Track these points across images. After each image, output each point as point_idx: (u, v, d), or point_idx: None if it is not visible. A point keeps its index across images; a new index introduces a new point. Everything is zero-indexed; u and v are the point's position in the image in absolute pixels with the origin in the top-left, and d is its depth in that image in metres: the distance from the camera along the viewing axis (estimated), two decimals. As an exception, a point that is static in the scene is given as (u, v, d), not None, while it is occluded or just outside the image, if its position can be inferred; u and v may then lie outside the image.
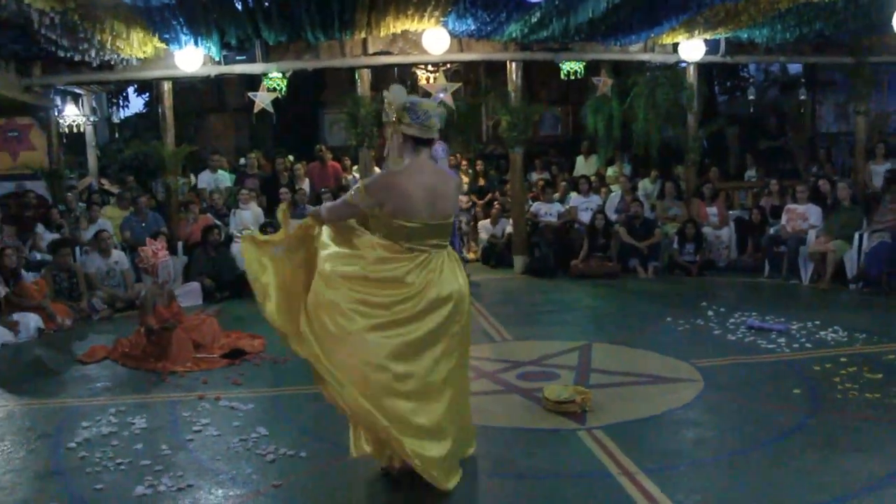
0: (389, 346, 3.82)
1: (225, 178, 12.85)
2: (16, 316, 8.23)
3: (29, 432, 5.21)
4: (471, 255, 12.86)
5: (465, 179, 13.89)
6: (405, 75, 15.48)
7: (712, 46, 11.71)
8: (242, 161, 13.76)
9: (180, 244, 11.02)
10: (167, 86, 11.42)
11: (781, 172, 13.95)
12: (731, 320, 7.86)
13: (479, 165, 14.70)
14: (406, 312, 3.85)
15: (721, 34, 11.31)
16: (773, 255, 10.64)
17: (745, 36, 11.40)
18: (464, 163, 14.36)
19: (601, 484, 4.06)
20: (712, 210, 11.75)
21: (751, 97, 15.41)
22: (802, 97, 15.23)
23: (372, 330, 3.83)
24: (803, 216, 10.56)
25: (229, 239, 11.12)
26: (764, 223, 11.30)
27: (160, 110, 11.66)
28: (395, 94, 4.05)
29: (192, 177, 13.30)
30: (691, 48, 11.59)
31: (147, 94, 17.44)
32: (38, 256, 10.21)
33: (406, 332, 3.86)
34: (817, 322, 7.57)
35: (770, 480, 4.04)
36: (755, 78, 17.42)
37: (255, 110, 11.59)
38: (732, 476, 4.13)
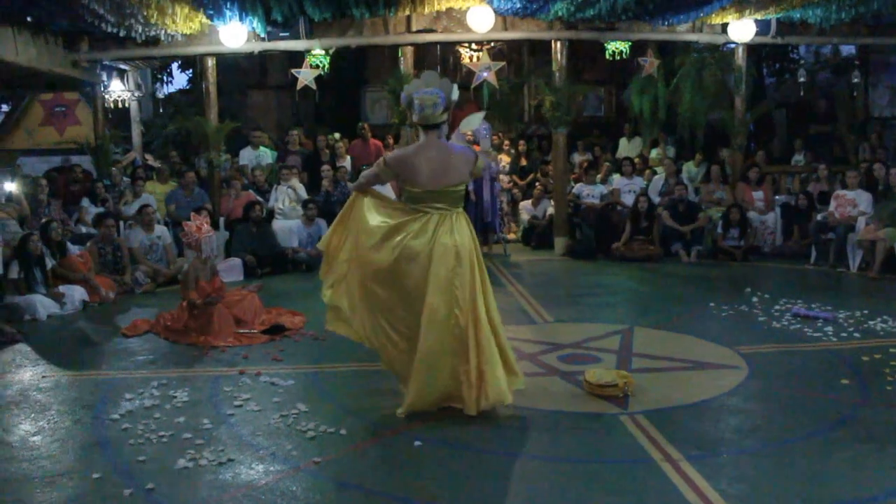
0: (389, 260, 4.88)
1: (267, 155, 12.92)
2: (62, 288, 8.37)
3: (74, 403, 5.29)
4: (511, 236, 12.80)
5: (507, 159, 13.81)
6: (448, 53, 15.42)
7: (763, 27, 11.45)
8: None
9: (222, 220, 11.12)
10: (211, 62, 11.48)
11: (830, 158, 13.69)
12: (776, 307, 7.72)
13: (522, 145, 14.62)
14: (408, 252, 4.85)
15: (772, 14, 11.04)
16: (820, 242, 10.45)
17: (798, 16, 11.12)
18: (506, 143, 14.28)
19: (644, 470, 4.01)
20: (758, 194, 11.55)
21: (801, 80, 15.10)
22: (855, 80, 14.88)
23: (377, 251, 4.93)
24: (853, 202, 10.34)
25: (271, 215, 11.19)
26: (811, 209, 11.09)
27: (204, 86, 11.74)
28: (406, 90, 5.10)
29: (234, 154, 13.40)
30: (741, 28, 11.35)
31: (191, 70, 17.60)
32: (84, 230, 10.36)
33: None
34: (865, 311, 7.41)
35: (816, 472, 3.96)
36: (805, 60, 17.07)
37: (298, 87, 11.62)
38: (777, 466, 4.05)
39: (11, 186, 10.23)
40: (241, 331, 7.03)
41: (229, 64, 13.49)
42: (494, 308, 5.01)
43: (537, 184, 13.11)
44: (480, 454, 4.28)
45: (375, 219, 5.04)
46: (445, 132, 5.08)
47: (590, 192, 12.15)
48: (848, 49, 15.76)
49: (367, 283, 4.99)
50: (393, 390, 5.23)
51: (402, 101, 5.23)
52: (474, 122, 10.69)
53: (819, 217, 10.67)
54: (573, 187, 12.48)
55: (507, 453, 4.29)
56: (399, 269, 4.84)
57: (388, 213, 5.06)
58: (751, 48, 12.24)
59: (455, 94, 5.05)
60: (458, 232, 4.88)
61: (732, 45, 12.05)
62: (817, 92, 16.76)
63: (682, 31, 11.69)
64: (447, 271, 4.77)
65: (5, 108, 17.22)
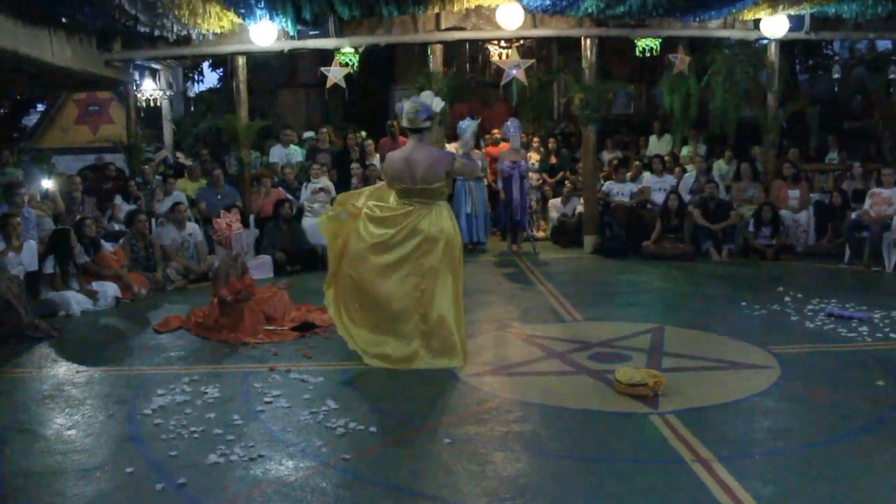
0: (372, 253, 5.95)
1: (296, 153, 12.99)
2: (95, 284, 8.47)
3: (107, 398, 5.36)
4: (540, 234, 12.76)
5: (536, 157, 13.76)
6: (477, 51, 15.39)
7: (796, 23, 11.30)
8: (308, 134, 13.89)
9: (252, 217, 11.19)
10: (241, 60, 11.56)
11: (865, 155, 13.49)
12: (810, 307, 7.64)
13: (552, 143, 14.56)
14: (386, 238, 5.92)
15: (806, 9, 10.88)
16: (855, 241, 10.30)
17: (833, 11, 10.95)
18: (535, 140, 14.23)
19: (675, 470, 3.98)
20: (794, 192, 11.41)
21: (835, 76, 14.88)
22: (892, 76, 14.64)
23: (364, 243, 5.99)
24: (889, 201, 10.20)
25: (300, 213, 11.24)
26: (845, 207, 10.95)
27: (234, 84, 11.82)
28: (403, 101, 6.18)
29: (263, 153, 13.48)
30: (774, 24, 11.22)
31: (221, 69, 17.71)
32: (117, 227, 10.47)
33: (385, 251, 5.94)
34: (901, 311, 7.30)
35: (850, 475, 3.91)
36: (840, 56, 16.82)
37: (328, 85, 11.67)
38: (810, 468, 4.01)
39: (48, 184, 10.38)
40: (271, 328, 7.08)
41: (259, 62, 13.56)
42: (459, 290, 5.96)
43: (567, 182, 13.07)
44: (510, 452, 4.27)
45: (371, 206, 6.09)
46: (429, 137, 6.30)
47: (619, 190, 12.07)
48: (884, 44, 15.52)
49: (347, 268, 6.06)
50: (422, 387, 5.23)
51: (397, 109, 6.30)
52: (464, 128, 10.90)
53: (853, 215, 10.52)
54: (603, 185, 12.42)
55: (537, 452, 4.27)
56: (376, 251, 5.91)
57: (382, 206, 6.05)
58: (783, 44, 12.09)
59: (438, 107, 6.10)
60: (435, 221, 5.88)
61: (765, 42, 11.90)
62: (852, 88, 16.52)
63: (714, 28, 11.57)
64: (420, 252, 5.85)
65: (41, 107, 17.46)
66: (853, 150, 13.83)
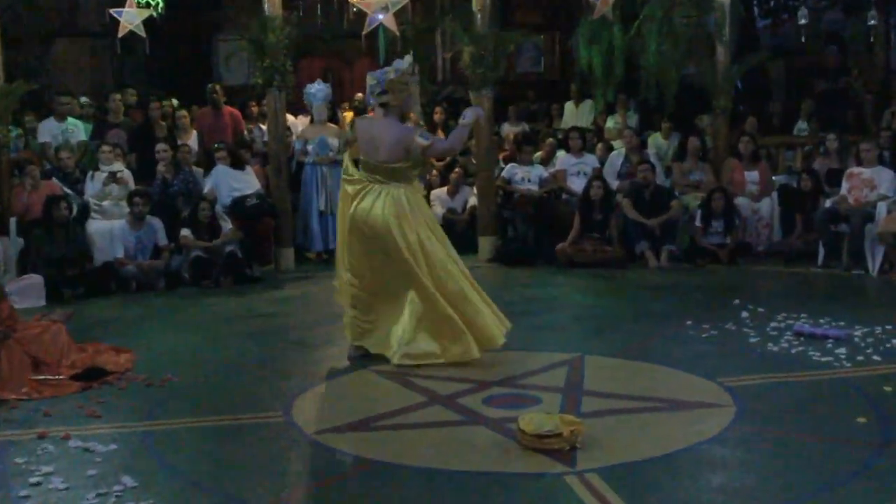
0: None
1: (77, 129, 12.62)
2: None
3: None
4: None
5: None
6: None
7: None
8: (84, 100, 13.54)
9: (13, 221, 10.83)
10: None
11: (843, 124, 13.98)
12: (773, 324, 7.90)
13: (437, 114, 14.57)
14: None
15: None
16: (830, 237, 10.67)
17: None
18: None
19: (596, 549, 4.06)
20: (752, 175, 11.79)
21: (802, 22, 15.47)
22: (872, 21, 15.30)
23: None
24: (870, 183, 10.61)
25: (84, 213, 10.95)
26: (818, 193, 11.32)
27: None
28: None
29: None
30: (722, -46, 11.60)
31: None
32: None
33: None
34: (888, 326, 7.62)
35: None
36: (809, -4, 17.48)
37: (121, 35, 11.41)
38: (774, 536, 4.15)
39: None
40: (42, 377, 6.86)
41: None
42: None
43: (456, 166, 13.12)
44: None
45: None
46: (409, 102, 7.27)
47: (525, 176, 12.21)
48: (863, -19, 16.22)
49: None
50: (255, 448, 5.17)
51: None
52: (313, 93, 11.76)
53: (828, 203, 10.89)
54: (503, 169, 12.54)
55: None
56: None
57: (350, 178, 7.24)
58: (736, -20, 12.51)
59: (392, 72, 7.00)
60: (382, 205, 6.91)
61: (710, -23, 12.28)
62: (824, 38, 17.18)
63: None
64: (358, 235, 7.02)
65: None
66: (827, 119, 14.25)
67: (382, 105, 7.14)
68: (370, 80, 7.23)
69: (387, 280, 7.10)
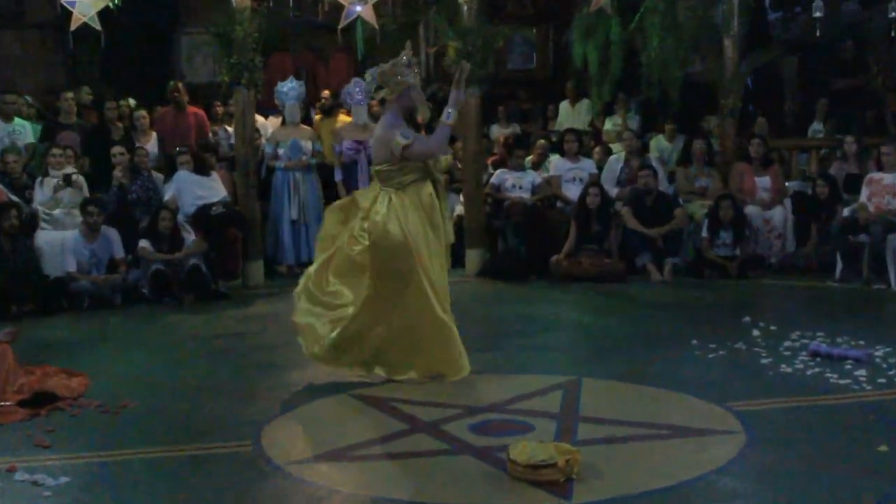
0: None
1: (25, 131, 12.58)
2: None
3: None
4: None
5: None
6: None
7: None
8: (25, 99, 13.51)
9: (-45, 232, 10.79)
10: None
11: (861, 125, 14.02)
12: (787, 343, 7.92)
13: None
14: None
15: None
16: (849, 248, 10.72)
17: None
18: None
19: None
20: (763, 181, 11.81)
21: (817, 14, 15.53)
22: (894, 14, 15.38)
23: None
24: (891, 189, 10.66)
25: (33, 223, 10.90)
26: (835, 200, 11.36)
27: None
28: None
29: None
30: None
31: None
32: None
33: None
34: (913, 346, 7.67)
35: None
36: (825, -13, 17.56)
37: (73, 27, 11.39)
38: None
39: None
40: (-16, 403, 6.83)
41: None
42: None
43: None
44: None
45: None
46: (400, 105, 7.02)
47: (516, 182, 12.22)
48: (882, -29, 16.31)
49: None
50: (223, 479, 5.16)
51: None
52: (285, 93, 11.91)
53: (846, 212, 10.93)
54: (492, 175, 12.55)
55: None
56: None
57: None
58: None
59: (387, 67, 6.94)
60: (374, 211, 6.96)
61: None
62: (841, 32, 17.26)
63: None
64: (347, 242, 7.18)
65: None
66: (844, 120, 14.33)
67: (381, 102, 7.63)
68: (367, 76, 7.76)
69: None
